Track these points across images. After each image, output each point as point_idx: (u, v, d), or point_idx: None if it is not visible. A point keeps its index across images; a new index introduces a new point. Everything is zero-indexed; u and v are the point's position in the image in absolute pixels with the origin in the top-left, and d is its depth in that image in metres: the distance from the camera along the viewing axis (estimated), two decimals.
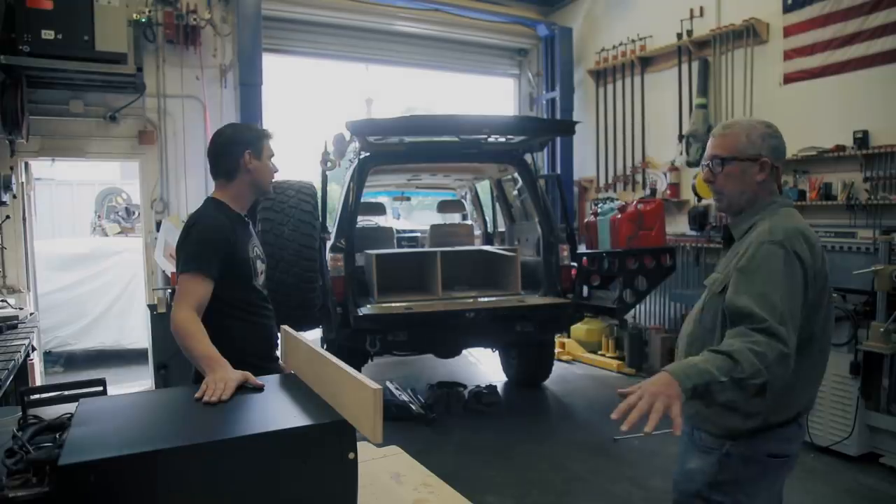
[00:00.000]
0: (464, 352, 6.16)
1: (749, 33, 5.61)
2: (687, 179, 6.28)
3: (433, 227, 6.96)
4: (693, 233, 6.17)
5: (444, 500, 1.66)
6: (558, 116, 7.67)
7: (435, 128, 5.28)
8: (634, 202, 5.53)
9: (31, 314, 4.78)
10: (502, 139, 5.46)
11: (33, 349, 4.65)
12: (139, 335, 6.90)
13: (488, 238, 7.20)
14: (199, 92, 6.13)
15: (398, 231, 7.26)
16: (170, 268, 5.37)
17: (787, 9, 5.32)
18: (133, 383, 6.20)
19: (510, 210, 6.47)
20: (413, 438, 4.29)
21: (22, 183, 5.57)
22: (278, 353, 2.30)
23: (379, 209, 7.17)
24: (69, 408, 1.47)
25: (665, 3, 6.49)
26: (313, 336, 5.46)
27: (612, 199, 6.35)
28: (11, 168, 5.32)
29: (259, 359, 2.17)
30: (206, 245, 2.14)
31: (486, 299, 5.29)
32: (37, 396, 1.58)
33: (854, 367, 4.17)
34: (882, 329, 4.02)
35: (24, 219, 5.64)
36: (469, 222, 7.43)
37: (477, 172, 6.72)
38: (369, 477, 1.68)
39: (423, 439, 4.65)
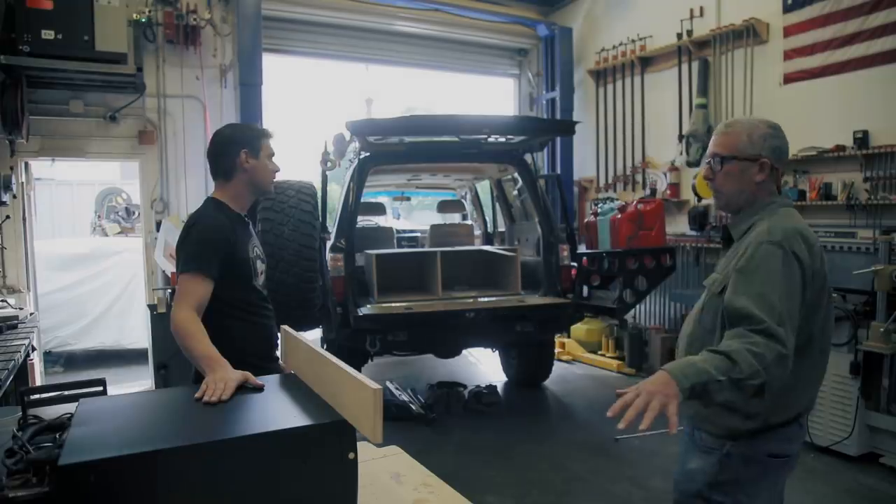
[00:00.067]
0: (464, 352, 6.16)
1: (749, 33, 5.61)
2: (687, 179, 6.28)
3: (433, 227, 6.96)
4: (693, 233, 6.17)
5: (444, 500, 1.66)
6: (558, 116, 7.67)
7: (435, 128, 5.28)
8: (634, 202, 5.53)
9: (31, 314, 4.78)
10: (502, 139, 5.46)
11: (33, 349, 4.65)
12: (139, 335, 6.90)
13: (488, 238, 7.20)
14: (199, 92, 6.13)
15: (398, 231, 7.26)
16: (170, 268, 5.37)
17: (787, 9, 5.32)
18: (133, 383, 6.20)
19: (510, 210, 6.47)
20: (413, 438, 4.29)
21: (22, 183, 5.57)
22: (278, 353, 2.30)
23: (379, 209, 7.17)
24: (69, 408, 1.47)
25: (665, 3, 6.49)
26: (313, 336, 5.46)
27: (612, 199, 6.35)
28: (11, 168, 5.32)
29: (259, 359, 2.17)
30: (206, 245, 2.14)
31: (486, 299, 5.29)
32: (37, 396, 1.58)
33: (854, 367, 4.17)
34: (882, 329, 4.02)
35: (24, 219, 5.64)
36: (469, 222, 7.43)
37: (477, 172, 6.72)
38: (369, 477, 1.68)
39: (423, 439, 4.65)
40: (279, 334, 2.12)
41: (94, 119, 5.77)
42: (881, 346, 4.02)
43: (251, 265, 2.27)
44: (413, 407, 5.19)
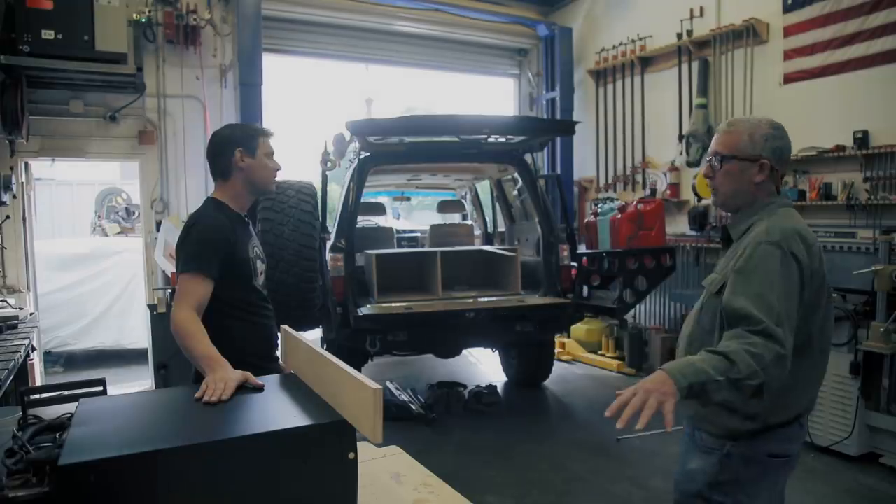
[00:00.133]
0: (464, 352, 6.16)
1: (749, 33, 5.61)
2: (687, 179, 6.28)
3: (433, 227, 6.96)
4: (693, 233, 6.17)
5: (444, 500, 1.66)
6: (558, 116, 7.67)
7: (435, 128, 5.28)
8: (634, 202, 5.53)
9: (31, 314, 4.78)
10: (502, 139, 5.46)
11: (33, 349, 4.65)
12: (139, 335, 6.90)
13: (488, 238, 7.20)
14: (199, 92, 6.13)
15: (398, 231, 7.26)
16: (170, 268, 5.37)
17: (787, 9, 5.32)
18: (133, 383, 6.20)
19: (510, 210, 6.47)
20: (413, 438, 4.29)
21: (22, 183, 5.57)
22: (278, 353, 2.30)
23: (379, 209, 7.17)
24: (69, 408, 1.47)
25: (665, 3, 6.49)
26: (313, 336, 5.46)
27: (612, 199, 6.35)
28: (11, 168, 5.32)
29: (259, 359, 2.17)
30: (206, 245, 2.13)
31: (486, 299, 5.29)
32: (37, 396, 1.58)
33: (854, 367, 4.17)
34: (882, 329, 4.02)
35: (24, 219, 5.64)
36: (469, 222, 7.43)
37: (477, 172, 6.72)
38: (369, 477, 1.68)
39: (423, 439, 4.65)
40: (279, 334, 2.12)
41: (94, 119, 5.77)
42: (881, 346, 4.02)
43: (251, 265, 2.27)
44: (413, 407, 5.19)
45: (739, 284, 1.69)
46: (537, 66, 8.21)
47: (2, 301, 4.84)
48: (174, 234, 4.44)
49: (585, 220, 6.17)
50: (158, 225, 5.85)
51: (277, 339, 2.32)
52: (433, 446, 4.50)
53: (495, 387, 5.82)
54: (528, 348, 6.02)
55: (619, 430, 1.51)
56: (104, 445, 1.21)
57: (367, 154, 5.31)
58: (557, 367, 6.48)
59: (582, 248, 5.72)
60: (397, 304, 5.00)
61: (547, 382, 6.25)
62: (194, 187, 6.07)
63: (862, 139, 4.68)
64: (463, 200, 7.61)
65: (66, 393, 1.60)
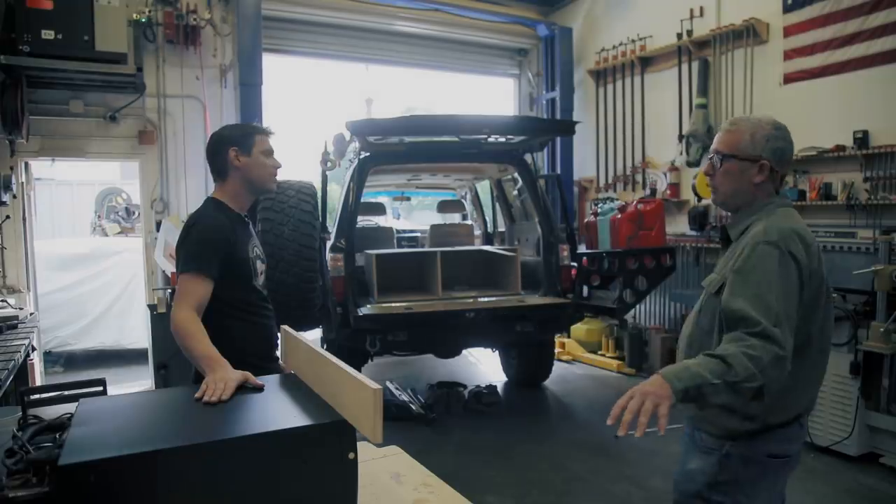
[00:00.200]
0: (464, 352, 6.16)
1: (749, 33, 5.61)
2: (687, 179, 6.28)
3: (433, 227, 6.96)
4: (693, 233, 6.17)
5: (444, 500, 1.66)
6: (558, 116, 7.67)
7: (435, 128, 5.28)
8: (634, 202, 5.53)
9: (31, 314, 4.78)
10: (502, 139, 5.46)
11: (33, 349, 4.65)
12: (139, 335, 6.90)
13: (488, 238, 7.20)
14: (199, 92, 6.13)
15: (398, 231, 7.26)
16: (170, 268, 5.37)
17: (787, 9, 5.32)
18: (133, 383, 6.20)
19: (510, 210, 6.47)
20: (413, 438, 4.29)
21: (22, 183, 5.57)
22: (278, 353, 2.30)
23: (379, 209, 7.17)
24: (69, 408, 1.47)
25: (665, 3, 6.49)
26: (313, 336, 5.46)
27: (612, 199, 6.35)
28: (11, 168, 5.32)
29: (259, 359, 2.17)
30: (206, 245, 2.13)
31: (486, 299, 5.29)
32: (37, 396, 1.58)
33: (854, 367, 4.17)
34: (882, 329, 4.02)
35: (24, 219, 5.64)
36: (469, 222, 7.43)
37: (477, 172, 6.72)
38: (369, 477, 1.68)
39: (423, 439, 4.65)
40: (279, 334, 2.12)
41: (94, 119, 5.77)
42: (881, 346, 4.02)
43: (251, 265, 2.27)
44: (413, 407, 5.19)
45: (737, 285, 1.69)
46: (537, 66, 8.21)
47: (2, 301, 4.84)
48: (174, 234, 4.44)
49: (585, 220, 6.17)
50: (158, 225, 5.85)
51: (277, 339, 2.32)
52: (433, 446, 4.50)
53: (495, 387, 5.82)
54: (528, 348, 6.02)
55: (617, 429, 1.54)
56: (104, 445, 1.21)
57: (367, 154, 5.31)
58: (557, 367, 6.48)
59: (582, 248, 5.72)
60: (397, 304, 5.00)
61: (547, 382, 6.25)
62: (194, 187, 6.07)
63: (862, 139, 4.68)
64: (463, 200, 7.61)
65: (66, 393, 1.60)
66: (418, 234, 7.31)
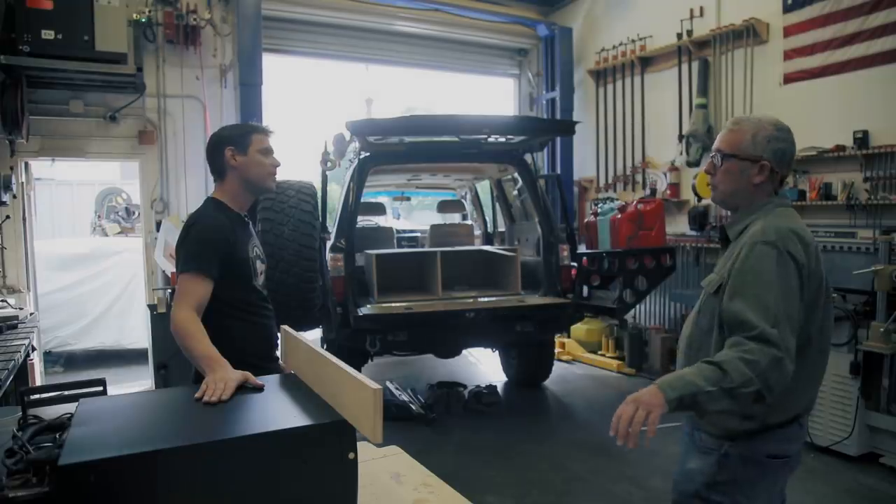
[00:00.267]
0: (464, 352, 6.15)
1: (749, 33, 5.61)
2: (687, 179, 6.28)
3: (433, 227, 6.96)
4: (693, 233, 6.17)
5: (444, 500, 1.66)
6: (558, 116, 7.67)
7: (435, 128, 5.28)
8: (634, 202, 5.53)
9: (31, 314, 4.78)
10: (502, 139, 5.46)
11: (33, 349, 4.65)
12: (139, 335, 6.90)
13: (488, 238, 7.20)
14: (199, 92, 6.13)
15: (398, 231, 7.26)
16: (170, 268, 5.37)
17: (787, 9, 5.32)
18: (133, 383, 6.20)
19: (510, 210, 6.47)
20: (413, 438, 4.29)
21: (22, 183, 5.57)
22: (278, 353, 2.30)
23: (379, 209, 7.17)
24: (69, 408, 1.47)
25: (665, 3, 6.49)
26: (313, 336, 5.46)
27: (612, 199, 6.35)
28: (11, 168, 5.32)
29: (259, 359, 2.17)
30: (206, 245, 2.13)
31: (486, 299, 5.29)
32: (37, 396, 1.58)
33: (854, 367, 4.17)
34: (882, 329, 4.02)
35: (24, 219, 5.64)
36: (469, 222, 7.43)
37: (477, 172, 6.72)
38: (369, 477, 1.68)
39: (423, 439, 4.65)
40: (279, 334, 2.12)
41: (94, 119, 5.77)
42: (881, 346, 4.02)
43: (251, 265, 2.27)
44: (413, 407, 5.19)
45: (736, 287, 1.70)
46: (537, 66, 8.21)
47: (2, 301, 4.84)
48: (174, 234, 4.44)
49: (585, 220, 6.18)
50: (158, 225, 5.85)
51: (277, 339, 2.32)
52: (433, 446, 4.50)
53: (495, 387, 5.82)
54: (528, 348, 6.02)
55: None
56: (104, 445, 1.21)
57: (367, 154, 5.31)
58: (557, 367, 6.48)
59: (582, 248, 5.72)
60: (397, 304, 5.00)
61: (547, 382, 6.25)
62: (194, 187, 6.07)
63: (862, 139, 4.68)
64: (463, 200, 7.61)
65: (66, 393, 1.60)
66: (418, 234, 7.31)
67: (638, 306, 6.01)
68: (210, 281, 2.10)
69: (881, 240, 4.26)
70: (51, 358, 7.15)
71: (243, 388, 1.63)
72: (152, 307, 5.63)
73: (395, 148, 5.40)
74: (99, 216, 9.06)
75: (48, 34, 4.87)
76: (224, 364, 1.79)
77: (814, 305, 1.74)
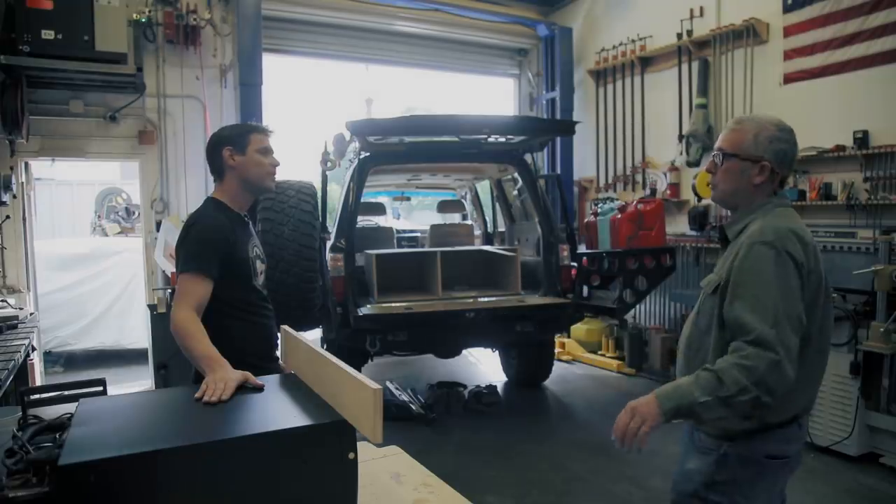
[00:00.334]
0: (464, 352, 6.15)
1: (749, 33, 5.61)
2: (687, 179, 6.28)
3: (433, 227, 6.96)
4: (693, 233, 6.16)
5: (444, 500, 1.66)
6: (558, 116, 7.67)
7: (435, 128, 5.28)
8: (634, 202, 5.53)
9: (31, 314, 4.78)
10: (502, 139, 5.46)
11: (33, 349, 4.65)
12: (139, 335, 6.90)
13: (488, 238, 7.20)
14: (199, 92, 6.13)
15: (398, 231, 7.26)
16: (170, 268, 5.37)
17: (787, 9, 5.32)
18: (133, 383, 6.21)
19: (510, 210, 6.47)
20: (413, 438, 4.29)
21: (22, 183, 5.57)
22: (278, 353, 2.30)
23: (379, 209, 7.17)
24: (69, 408, 1.47)
25: (665, 3, 6.49)
26: (313, 336, 5.46)
27: (612, 199, 6.35)
28: (11, 168, 5.32)
29: (259, 359, 2.17)
30: (206, 245, 2.13)
31: (486, 299, 5.29)
32: (37, 396, 1.58)
33: (854, 367, 4.17)
34: (882, 329, 4.02)
35: (24, 219, 5.63)
36: (469, 222, 7.43)
37: (477, 172, 6.72)
38: (369, 477, 1.68)
39: (423, 439, 4.65)
40: (279, 334, 2.12)
41: (94, 119, 5.77)
42: (881, 346, 4.02)
43: (251, 265, 2.27)
44: (413, 407, 5.19)
45: (735, 289, 1.70)
46: (537, 66, 8.21)
47: (2, 301, 4.84)
48: (174, 234, 4.44)
49: (585, 220, 6.17)
50: (158, 225, 5.85)
51: (277, 339, 2.32)
52: (433, 446, 4.50)
53: (495, 387, 5.82)
54: (528, 348, 6.02)
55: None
56: (104, 445, 1.21)
57: (367, 154, 5.31)
58: (557, 367, 6.48)
59: (582, 248, 5.72)
60: (397, 304, 5.00)
61: (547, 382, 6.25)
62: (194, 187, 6.07)
63: (862, 139, 4.68)
64: (463, 200, 7.61)
65: (66, 393, 1.60)
66: (418, 234, 7.31)
67: (638, 306, 6.01)
68: (210, 281, 2.10)
69: (881, 240, 4.26)
70: (51, 358, 7.14)
71: (243, 388, 1.62)
72: (152, 307, 5.63)
73: (395, 148, 5.40)
74: (99, 216, 9.06)
75: (48, 34, 4.87)
76: (224, 364, 1.79)
77: (813, 305, 1.74)
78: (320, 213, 4.67)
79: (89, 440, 1.24)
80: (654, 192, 6.66)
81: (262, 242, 2.59)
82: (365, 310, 4.80)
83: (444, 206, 7.39)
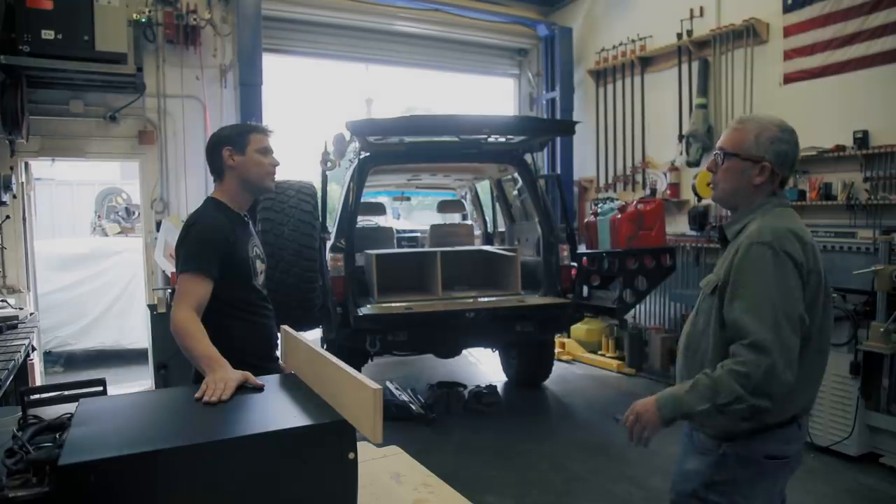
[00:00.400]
0: (464, 352, 6.15)
1: (749, 33, 5.61)
2: (687, 179, 6.28)
3: (433, 227, 6.96)
4: (693, 233, 6.16)
5: (444, 500, 1.66)
6: (558, 116, 7.67)
7: (435, 128, 5.28)
8: (634, 202, 5.52)
9: (31, 314, 4.78)
10: (502, 139, 5.46)
11: (33, 349, 4.65)
12: (139, 335, 6.90)
13: (488, 238, 7.20)
14: (199, 92, 6.13)
15: (398, 231, 7.26)
16: (170, 268, 5.37)
17: (787, 9, 5.32)
18: (133, 383, 6.20)
19: (510, 210, 6.47)
20: (413, 438, 4.29)
21: (22, 183, 5.57)
22: (278, 353, 2.30)
23: (379, 209, 7.17)
24: (69, 408, 1.47)
25: (665, 3, 6.49)
26: (313, 336, 5.46)
27: (612, 199, 6.34)
28: (11, 168, 5.32)
29: (259, 359, 2.17)
30: (206, 245, 2.13)
31: (486, 299, 5.29)
32: (37, 396, 1.58)
33: (854, 367, 4.17)
34: (882, 329, 4.02)
35: (24, 219, 5.63)
36: (469, 222, 7.43)
37: (477, 172, 6.72)
38: (369, 477, 1.68)
39: (423, 439, 4.65)
40: (279, 334, 2.12)
41: (94, 119, 5.77)
42: (881, 346, 4.02)
43: (250, 265, 2.27)
44: (413, 407, 5.19)
45: (734, 291, 1.71)
46: (537, 66, 8.21)
47: (2, 301, 4.84)
48: (174, 234, 4.43)
49: (585, 220, 6.17)
50: (158, 225, 5.85)
51: (277, 339, 2.32)
52: (433, 446, 4.50)
53: (495, 387, 5.82)
54: (528, 348, 6.02)
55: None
56: (104, 445, 1.21)
57: (367, 154, 5.30)
58: (557, 367, 6.48)
59: (582, 248, 5.72)
60: (397, 304, 5.00)
61: (547, 382, 6.25)
62: (194, 187, 6.07)
63: (862, 139, 4.67)
64: (463, 200, 7.61)
65: (66, 393, 1.60)
66: (418, 234, 7.31)
67: (638, 306, 6.00)
68: (210, 281, 2.10)
69: (881, 240, 4.26)
70: (51, 358, 7.14)
71: (243, 388, 1.62)
72: (152, 307, 5.63)
73: (395, 148, 5.40)
74: (99, 216, 9.06)
75: (48, 34, 4.87)
76: (224, 364, 1.79)
77: (813, 305, 1.74)
78: (320, 213, 4.67)
79: (89, 440, 1.24)
80: (654, 192, 6.66)
81: (262, 242, 2.60)
82: (365, 310, 4.80)
83: (444, 206, 7.39)
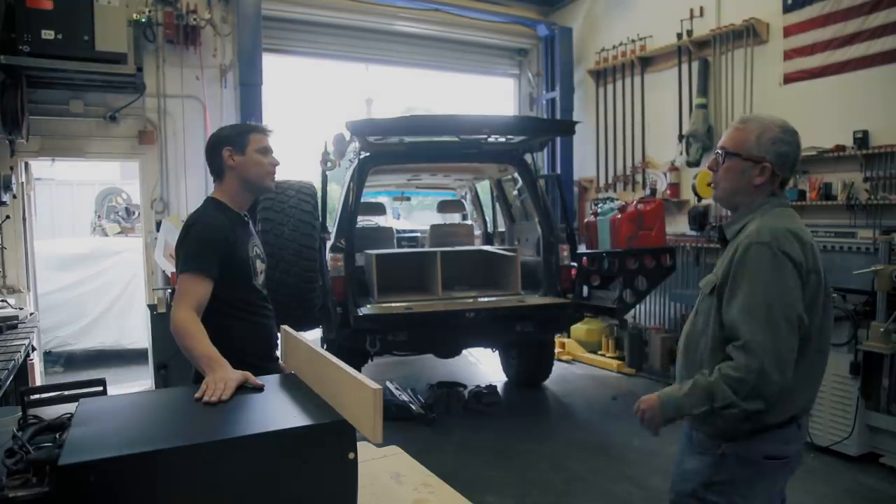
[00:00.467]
0: (464, 352, 6.15)
1: (749, 33, 5.61)
2: (687, 179, 6.28)
3: (433, 227, 6.96)
4: (693, 233, 6.16)
5: (444, 500, 1.66)
6: (558, 116, 7.67)
7: (435, 128, 5.28)
8: (634, 202, 5.52)
9: (31, 314, 4.78)
10: (502, 139, 5.46)
11: (33, 349, 4.65)
12: (139, 335, 6.90)
13: (488, 238, 7.20)
14: (199, 92, 6.13)
15: (398, 231, 7.26)
16: (170, 268, 5.37)
17: (787, 9, 5.32)
18: (133, 383, 6.20)
19: (510, 210, 6.47)
20: (413, 438, 4.29)
21: (22, 183, 5.57)
22: (278, 353, 2.30)
23: (379, 209, 7.17)
24: (69, 408, 1.47)
25: (665, 3, 6.49)
26: (313, 336, 5.46)
27: (612, 199, 6.34)
28: (11, 168, 5.32)
29: (259, 359, 2.17)
30: (206, 245, 2.13)
31: (486, 299, 5.29)
32: (37, 396, 1.58)
33: (854, 367, 4.17)
34: (882, 329, 4.02)
35: (24, 219, 5.63)
36: (469, 222, 7.43)
37: (477, 172, 6.72)
38: (369, 477, 1.68)
39: (423, 439, 4.65)
40: (279, 334, 2.12)
41: (94, 119, 5.77)
42: (881, 346, 4.02)
43: (250, 265, 2.27)
44: (413, 407, 5.19)
45: (732, 291, 1.71)
46: (537, 66, 8.21)
47: (2, 301, 4.84)
48: (174, 234, 4.43)
49: (585, 220, 6.17)
50: (158, 225, 5.85)
51: (277, 339, 2.32)
52: (433, 446, 4.50)
53: (495, 387, 5.82)
54: (528, 348, 6.02)
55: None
56: (104, 445, 1.21)
57: (367, 154, 5.30)
58: (557, 367, 6.48)
59: (582, 248, 5.72)
60: (397, 304, 5.00)
61: (547, 382, 6.25)
62: (194, 187, 6.07)
63: (862, 139, 4.67)
64: (463, 200, 7.61)
65: (66, 393, 1.60)
66: (418, 234, 7.31)
67: (638, 306, 6.00)
68: (210, 281, 2.10)
69: (881, 240, 4.26)
70: (51, 358, 7.14)
71: (243, 388, 1.62)
72: (152, 307, 5.63)
73: (395, 148, 5.40)
74: (99, 216, 9.06)
75: (48, 34, 4.87)
76: (224, 364, 1.79)
77: (813, 305, 1.74)
78: (320, 213, 4.67)
79: (89, 440, 1.24)
80: (654, 192, 6.66)
81: (262, 242, 2.60)
82: (365, 310, 4.80)
83: (444, 206, 7.39)
